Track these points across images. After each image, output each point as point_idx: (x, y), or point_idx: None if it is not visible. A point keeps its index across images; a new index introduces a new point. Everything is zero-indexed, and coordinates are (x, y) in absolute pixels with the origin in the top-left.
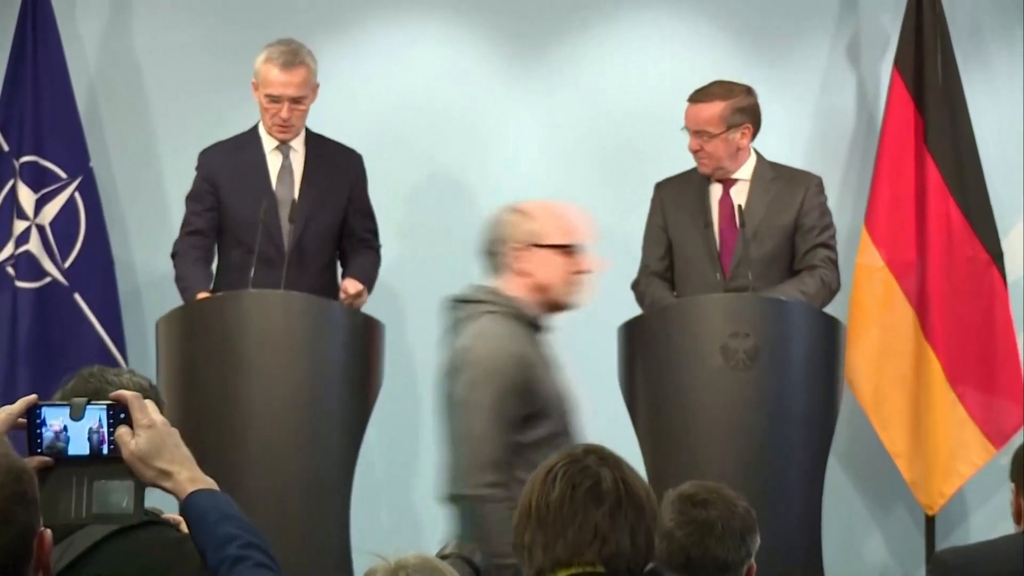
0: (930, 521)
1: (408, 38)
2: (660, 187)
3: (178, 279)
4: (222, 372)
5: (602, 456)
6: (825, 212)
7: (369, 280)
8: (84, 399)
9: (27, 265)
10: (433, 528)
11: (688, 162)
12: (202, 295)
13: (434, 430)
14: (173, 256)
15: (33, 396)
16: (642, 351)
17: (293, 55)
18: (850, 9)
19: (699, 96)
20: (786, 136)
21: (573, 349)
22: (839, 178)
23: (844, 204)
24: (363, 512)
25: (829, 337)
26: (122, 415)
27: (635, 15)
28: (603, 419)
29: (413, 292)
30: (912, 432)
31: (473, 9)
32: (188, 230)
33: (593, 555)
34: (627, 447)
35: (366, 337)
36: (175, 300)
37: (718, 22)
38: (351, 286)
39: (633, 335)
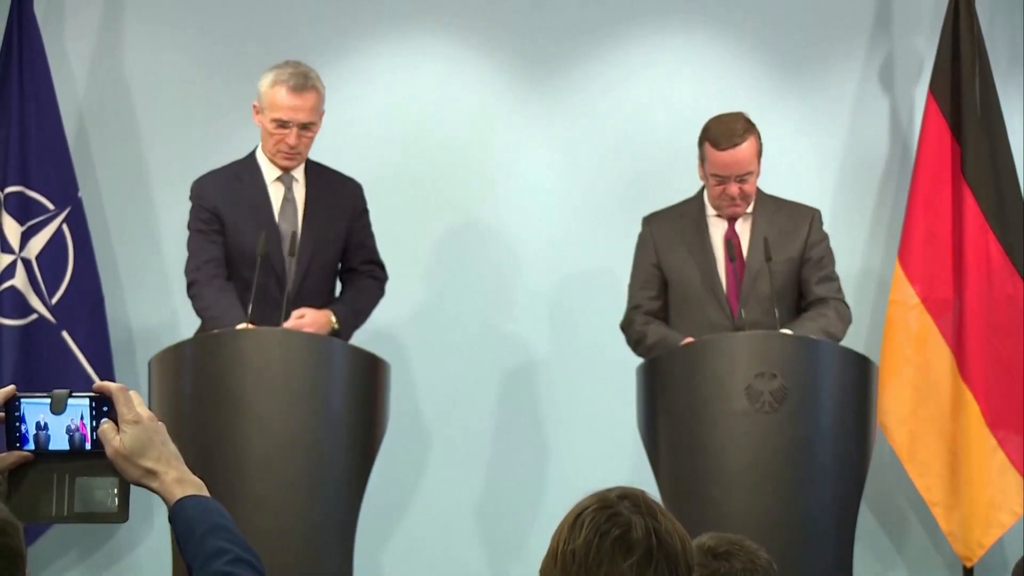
0: (968, 573)
1: (415, 61)
2: (649, 221)
3: (204, 309)
4: (218, 415)
5: (636, 502)
6: (828, 244)
7: (357, 310)
8: (66, 391)
9: (12, 301)
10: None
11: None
12: (243, 328)
13: (441, 473)
14: (191, 286)
15: (11, 388)
16: (662, 393)
17: (304, 78)
18: (882, 31)
19: (732, 138)
20: (815, 166)
21: (590, 389)
22: (871, 210)
23: (876, 237)
24: (366, 557)
25: (861, 378)
26: (105, 408)
27: (654, 40)
28: (620, 464)
29: (419, 329)
30: (949, 479)
31: (483, 32)
32: (205, 258)
33: None
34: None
35: (370, 377)
36: (168, 338)
37: (743, 46)
38: (299, 313)
39: (653, 376)
